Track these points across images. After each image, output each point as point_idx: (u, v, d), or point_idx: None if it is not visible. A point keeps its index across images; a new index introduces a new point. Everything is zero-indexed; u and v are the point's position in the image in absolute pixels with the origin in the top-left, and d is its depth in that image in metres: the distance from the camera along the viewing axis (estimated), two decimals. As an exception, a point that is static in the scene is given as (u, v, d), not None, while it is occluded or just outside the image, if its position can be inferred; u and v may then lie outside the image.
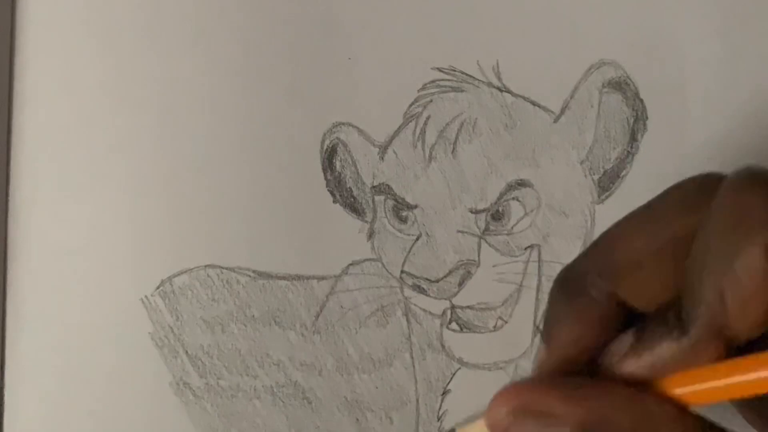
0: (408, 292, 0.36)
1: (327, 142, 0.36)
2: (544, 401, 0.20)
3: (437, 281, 0.35)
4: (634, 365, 0.20)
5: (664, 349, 0.20)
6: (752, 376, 0.19)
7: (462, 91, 0.35)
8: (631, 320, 0.22)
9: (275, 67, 0.36)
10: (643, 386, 0.20)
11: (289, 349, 0.36)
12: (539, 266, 0.35)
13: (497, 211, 0.35)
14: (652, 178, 0.35)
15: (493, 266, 0.35)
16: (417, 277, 0.35)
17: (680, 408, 0.20)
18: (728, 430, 0.20)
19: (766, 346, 0.19)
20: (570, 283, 0.23)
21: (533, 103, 0.35)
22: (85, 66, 0.36)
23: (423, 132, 0.35)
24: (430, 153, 0.35)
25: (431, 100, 0.35)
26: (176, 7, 0.36)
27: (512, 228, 0.35)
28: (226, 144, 0.36)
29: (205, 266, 0.36)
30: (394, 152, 0.36)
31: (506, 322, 0.36)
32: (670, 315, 0.20)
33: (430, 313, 0.36)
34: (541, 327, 0.23)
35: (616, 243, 0.22)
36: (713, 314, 0.19)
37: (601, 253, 0.22)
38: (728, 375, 0.19)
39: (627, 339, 0.21)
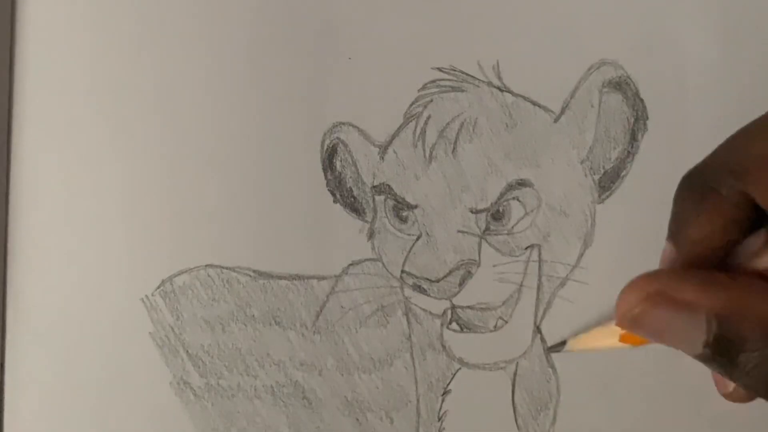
0: (408, 292, 0.36)
1: (327, 142, 0.36)
2: (680, 289, 0.19)
3: (438, 281, 0.35)
4: (764, 260, 0.20)
5: None
6: None
7: (462, 90, 0.35)
8: (760, 223, 0.21)
9: (275, 68, 0.36)
10: None
11: (289, 349, 0.36)
12: (539, 266, 0.35)
13: (497, 211, 0.35)
14: (652, 178, 0.35)
15: (494, 266, 0.35)
16: (417, 277, 0.35)
17: None
18: None
19: None
20: (699, 181, 0.22)
21: (533, 103, 0.35)
22: (85, 67, 0.36)
23: (423, 132, 0.35)
24: (431, 153, 0.35)
25: (431, 100, 0.35)
26: (177, 9, 0.36)
27: (512, 228, 0.35)
28: (226, 144, 0.36)
29: (205, 266, 0.36)
30: (395, 152, 0.36)
31: (506, 322, 0.36)
32: None
33: (431, 313, 0.36)
34: (669, 226, 0.22)
35: (748, 141, 0.21)
36: None
37: (732, 150, 0.21)
38: None
39: (759, 237, 0.21)
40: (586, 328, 0.25)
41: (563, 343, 0.31)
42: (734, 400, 0.23)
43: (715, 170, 0.21)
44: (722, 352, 0.19)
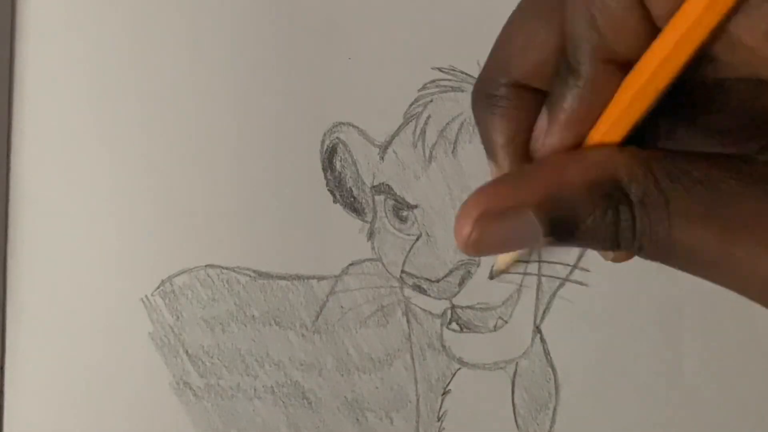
0: (408, 292, 0.36)
1: (327, 142, 0.36)
2: (499, 197, 0.20)
3: (437, 281, 0.35)
4: (557, 134, 0.21)
5: (572, 100, 0.20)
6: (652, 74, 0.19)
7: (462, 90, 0.35)
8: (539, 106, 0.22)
9: (275, 68, 0.36)
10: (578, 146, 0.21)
11: (289, 349, 0.36)
12: (539, 266, 0.35)
13: (497, 211, 0.35)
14: (653, 178, 0.35)
15: (493, 266, 0.35)
16: (417, 277, 0.35)
17: (619, 144, 0.20)
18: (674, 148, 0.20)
19: None
20: (479, 95, 0.23)
21: (533, 103, 0.35)
22: (85, 67, 0.36)
23: (423, 132, 0.35)
24: (431, 153, 0.35)
25: (431, 100, 0.35)
26: (176, 9, 0.36)
27: (512, 228, 0.35)
28: (226, 144, 0.36)
29: (205, 266, 0.36)
30: (394, 152, 0.36)
31: (506, 322, 0.36)
32: (562, 70, 0.20)
33: (430, 313, 0.36)
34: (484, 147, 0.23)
35: (499, 42, 0.23)
36: (592, 44, 0.19)
37: (491, 58, 0.23)
38: (636, 90, 0.19)
39: (543, 116, 0.21)
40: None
41: (493, 271, 0.32)
42: (618, 261, 0.24)
43: (486, 80, 0.22)
44: (563, 233, 0.19)
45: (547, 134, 0.21)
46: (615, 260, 0.25)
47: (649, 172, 0.19)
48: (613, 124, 0.20)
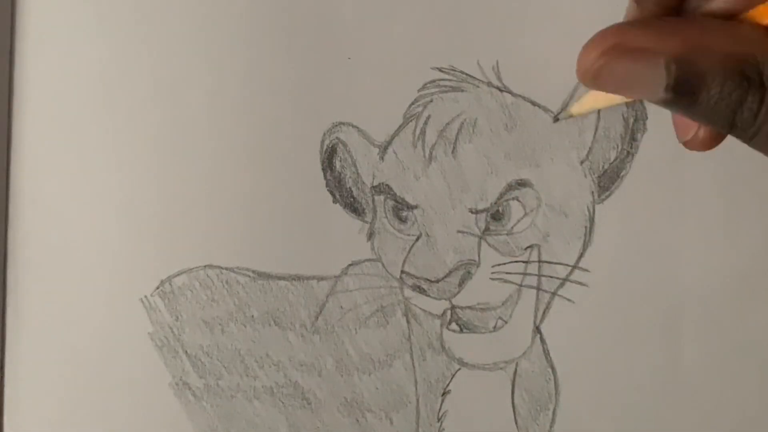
0: (408, 292, 0.36)
1: (327, 142, 0.36)
2: (636, 39, 0.19)
3: (437, 281, 0.35)
4: (718, 2, 0.20)
5: None
6: None
7: (462, 90, 0.35)
8: None
9: (275, 67, 0.36)
10: (733, 18, 0.20)
11: (289, 350, 0.36)
12: (539, 266, 0.35)
13: (497, 211, 0.35)
14: (652, 178, 0.35)
15: (493, 266, 0.35)
16: (417, 278, 0.35)
17: None
18: None
19: None
20: None
21: (533, 103, 0.35)
22: (85, 67, 0.36)
23: (423, 132, 0.35)
24: (430, 153, 0.35)
25: (431, 100, 0.35)
26: (176, 8, 0.36)
27: (512, 228, 0.35)
28: (225, 144, 0.36)
29: (205, 266, 0.36)
30: (394, 152, 0.36)
31: (506, 322, 0.35)
32: None
33: (430, 313, 0.36)
34: None
35: None
36: None
37: None
38: None
39: None
40: (578, 95, 0.25)
41: (565, 110, 0.31)
42: (692, 148, 0.24)
43: None
44: (685, 93, 0.19)
45: None
46: (692, 146, 0.24)
47: None
48: None
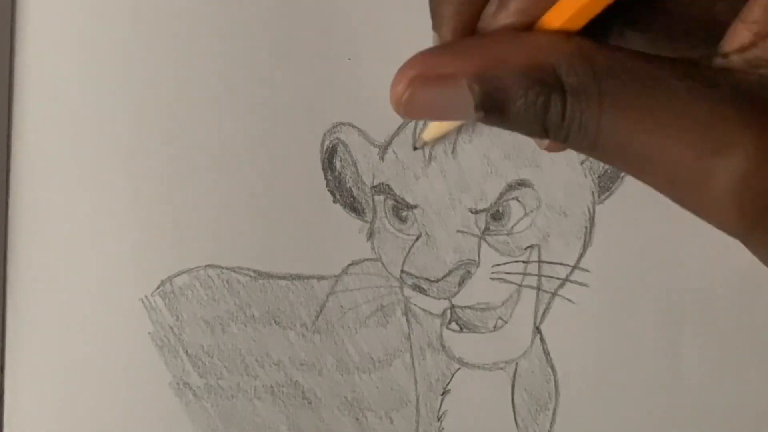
0: (408, 292, 0.36)
1: (327, 142, 0.36)
2: (438, 65, 0.20)
3: (437, 281, 0.35)
4: (508, 14, 0.21)
5: None
6: None
7: (462, 91, 0.35)
8: None
9: (275, 68, 0.36)
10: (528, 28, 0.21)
11: (289, 349, 0.36)
12: (539, 266, 0.35)
13: (497, 211, 0.35)
14: (653, 178, 0.35)
15: (493, 266, 0.35)
16: (417, 277, 0.35)
17: (566, 33, 0.20)
18: (616, 45, 0.20)
19: None
20: None
21: (533, 103, 0.35)
22: (86, 67, 0.36)
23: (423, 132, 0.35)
24: (430, 153, 0.35)
25: (431, 100, 0.35)
26: (176, 10, 0.36)
27: (512, 228, 0.35)
28: (226, 144, 0.36)
29: (205, 266, 0.36)
30: (394, 152, 0.36)
31: (506, 322, 0.36)
32: None
33: (430, 313, 0.36)
34: (431, 16, 0.23)
35: None
36: None
37: None
38: None
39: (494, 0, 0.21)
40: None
41: (419, 138, 0.32)
42: (550, 150, 0.24)
43: None
44: (494, 109, 0.20)
45: (498, 12, 0.21)
46: (548, 149, 0.25)
47: (588, 63, 0.19)
48: (564, 12, 0.20)
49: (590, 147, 0.19)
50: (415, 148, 0.35)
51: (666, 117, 0.18)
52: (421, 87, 0.20)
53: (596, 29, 0.20)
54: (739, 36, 0.19)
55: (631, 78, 0.19)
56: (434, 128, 0.31)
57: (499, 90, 0.19)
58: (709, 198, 0.19)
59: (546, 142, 0.24)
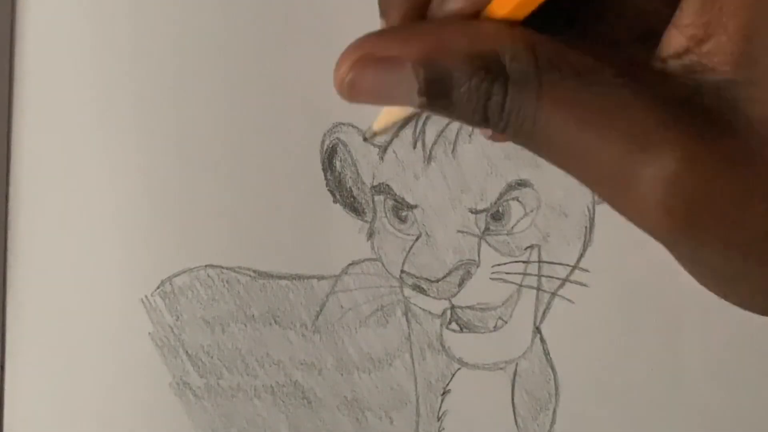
0: (408, 292, 0.36)
1: (327, 142, 0.36)
2: (383, 47, 0.20)
3: (437, 281, 0.35)
4: (454, 3, 0.21)
5: None
6: None
7: (462, 91, 0.35)
8: None
9: (275, 68, 0.36)
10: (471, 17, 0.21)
11: (289, 349, 0.36)
12: (539, 266, 0.35)
13: (497, 211, 0.35)
14: (653, 178, 0.35)
15: (493, 266, 0.35)
16: (417, 277, 0.35)
17: (511, 22, 0.20)
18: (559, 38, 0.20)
19: None
20: None
21: (533, 103, 0.35)
22: (85, 67, 0.36)
23: (422, 132, 0.35)
24: (430, 153, 0.35)
25: (431, 100, 0.35)
26: (176, 9, 0.36)
27: (512, 228, 0.35)
28: (226, 144, 0.36)
29: (205, 266, 0.36)
30: (394, 152, 0.36)
31: (506, 322, 0.36)
32: None
33: (430, 313, 0.36)
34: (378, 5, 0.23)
35: None
36: None
37: None
38: None
39: None
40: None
41: (369, 129, 0.32)
42: (495, 140, 0.25)
43: None
44: (437, 95, 0.19)
45: (444, 1, 0.21)
46: (492, 139, 0.25)
47: (532, 53, 0.19)
48: (517, 5, 0.20)
49: (526, 138, 0.19)
50: (365, 139, 0.35)
51: (599, 113, 0.18)
52: (364, 69, 0.20)
53: (543, 26, 0.21)
54: (674, 41, 0.19)
55: (572, 71, 0.19)
56: (384, 117, 0.31)
57: (443, 75, 0.19)
58: (635, 198, 0.19)
59: (489, 131, 0.24)
